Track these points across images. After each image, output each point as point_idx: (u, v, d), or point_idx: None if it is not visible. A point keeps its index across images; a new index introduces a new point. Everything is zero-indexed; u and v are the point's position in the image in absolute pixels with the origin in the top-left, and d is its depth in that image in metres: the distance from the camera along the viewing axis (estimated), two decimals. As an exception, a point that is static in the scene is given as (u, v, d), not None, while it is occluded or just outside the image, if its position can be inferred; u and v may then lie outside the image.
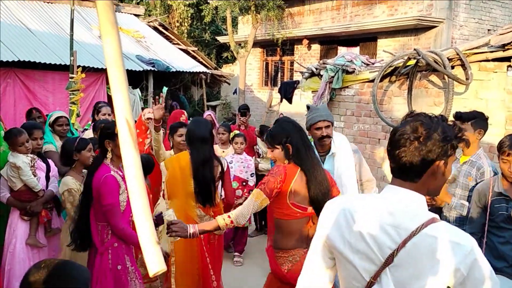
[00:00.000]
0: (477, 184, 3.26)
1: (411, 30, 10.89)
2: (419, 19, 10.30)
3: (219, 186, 3.76)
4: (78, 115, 6.40)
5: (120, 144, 1.01)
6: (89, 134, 4.68)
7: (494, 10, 11.41)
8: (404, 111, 5.41)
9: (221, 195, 3.97)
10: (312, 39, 13.62)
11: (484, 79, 4.71)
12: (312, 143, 3.69)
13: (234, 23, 16.75)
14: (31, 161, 3.69)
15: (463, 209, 3.30)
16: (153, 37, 12.56)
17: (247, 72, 15.00)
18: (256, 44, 14.89)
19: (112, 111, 4.47)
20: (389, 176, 5.65)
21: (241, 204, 3.87)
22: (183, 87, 13.41)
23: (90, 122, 5.44)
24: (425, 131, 1.41)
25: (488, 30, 11.15)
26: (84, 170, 3.57)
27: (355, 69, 6.00)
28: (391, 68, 5.49)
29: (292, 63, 14.81)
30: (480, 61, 4.72)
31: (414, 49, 5.18)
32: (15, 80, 8.66)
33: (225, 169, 3.67)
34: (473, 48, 4.77)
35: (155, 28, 13.17)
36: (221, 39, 16.66)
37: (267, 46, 15.52)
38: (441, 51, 5.01)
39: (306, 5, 14.07)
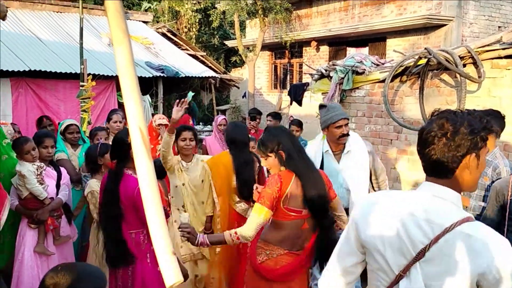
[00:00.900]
0: (493, 182, 3.21)
1: (421, 29, 10.81)
2: (428, 18, 10.23)
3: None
4: (89, 123, 6.43)
5: (133, 153, 1.00)
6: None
7: (504, 7, 11.29)
8: (416, 111, 5.35)
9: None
10: (321, 41, 13.58)
11: (497, 77, 4.65)
12: (325, 141, 3.68)
13: (242, 27, 16.77)
14: (37, 169, 3.72)
15: (480, 210, 3.25)
16: (162, 43, 12.59)
17: (256, 75, 15.01)
18: (265, 47, 14.89)
19: (124, 117, 4.50)
20: (402, 177, 5.58)
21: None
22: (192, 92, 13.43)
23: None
24: (452, 127, 1.41)
25: (499, 27, 11.03)
26: None
27: (365, 69, 5.95)
28: (402, 68, 5.43)
29: (301, 66, 14.77)
30: (492, 58, 4.66)
31: (425, 48, 5.12)
32: (26, 89, 8.72)
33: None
34: (485, 46, 4.70)
35: (163, 35, 13.21)
36: (230, 43, 16.70)
37: (276, 49, 15.52)
38: (452, 50, 4.95)
39: (313, 7, 14.04)
